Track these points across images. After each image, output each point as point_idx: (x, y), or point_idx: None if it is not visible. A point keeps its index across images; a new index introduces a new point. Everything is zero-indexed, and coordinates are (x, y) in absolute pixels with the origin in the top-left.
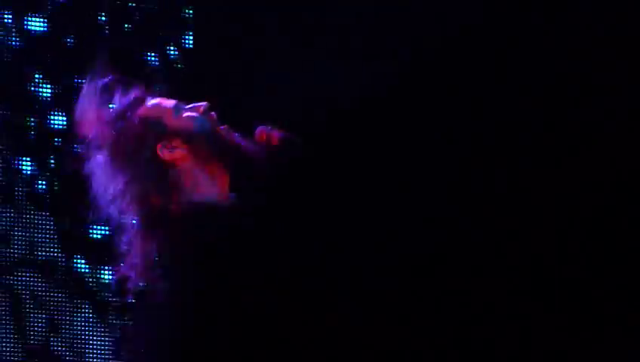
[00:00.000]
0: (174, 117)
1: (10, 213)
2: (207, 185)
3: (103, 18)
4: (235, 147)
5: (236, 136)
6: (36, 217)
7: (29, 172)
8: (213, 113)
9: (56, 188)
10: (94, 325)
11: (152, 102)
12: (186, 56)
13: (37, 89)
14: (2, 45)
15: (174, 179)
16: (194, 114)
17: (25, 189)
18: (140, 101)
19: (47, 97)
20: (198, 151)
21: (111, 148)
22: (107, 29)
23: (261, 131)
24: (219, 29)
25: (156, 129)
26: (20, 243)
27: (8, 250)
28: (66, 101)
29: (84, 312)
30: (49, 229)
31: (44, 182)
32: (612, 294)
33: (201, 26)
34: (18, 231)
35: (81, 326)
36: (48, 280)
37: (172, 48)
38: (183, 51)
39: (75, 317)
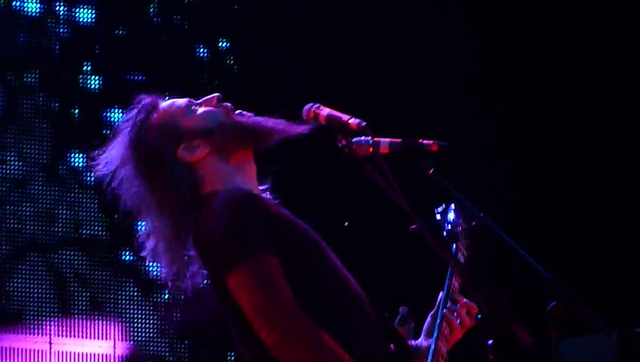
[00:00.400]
0: (188, 116)
1: (54, 191)
2: (236, 177)
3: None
4: (255, 127)
5: (253, 117)
6: (80, 195)
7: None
8: (226, 103)
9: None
10: (138, 303)
11: (163, 105)
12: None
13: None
14: (53, 36)
15: (202, 178)
16: (207, 109)
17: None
18: (152, 109)
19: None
20: (220, 145)
21: (135, 166)
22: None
23: (309, 108)
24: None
25: (173, 133)
26: (64, 221)
27: (53, 229)
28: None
29: (128, 290)
30: (94, 208)
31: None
32: None
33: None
34: (63, 209)
35: (125, 303)
36: (92, 259)
37: (223, 40)
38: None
39: (119, 294)
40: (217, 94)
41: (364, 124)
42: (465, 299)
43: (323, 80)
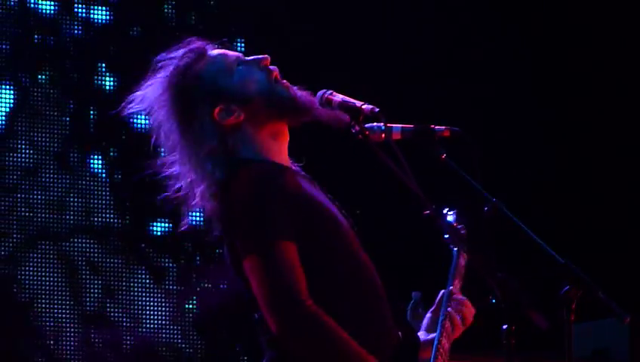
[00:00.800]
0: (232, 77)
1: (66, 179)
2: (269, 148)
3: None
4: (294, 101)
5: (296, 91)
6: (92, 183)
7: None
8: (274, 68)
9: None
10: (151, 290)
11: (211, 55)
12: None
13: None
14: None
15: (234, 144)
16: (252, 75)
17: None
18: (199, 56)
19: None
20: (256, 113)
21: (170, 110)
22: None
23: (322, 95)
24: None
25: (213, 92)
26: (76, 209)
27: (64, 217)
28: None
29: (141, 278)
30: (105, 195)
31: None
32: None
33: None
34: (74, 197)
35: (137, 291)
36: (104, 246)
37: (241, 41)
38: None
39: (132, 282)
40: (267, 56)
41: (377, 109)
42: (466, 299)
43: (336, 69)
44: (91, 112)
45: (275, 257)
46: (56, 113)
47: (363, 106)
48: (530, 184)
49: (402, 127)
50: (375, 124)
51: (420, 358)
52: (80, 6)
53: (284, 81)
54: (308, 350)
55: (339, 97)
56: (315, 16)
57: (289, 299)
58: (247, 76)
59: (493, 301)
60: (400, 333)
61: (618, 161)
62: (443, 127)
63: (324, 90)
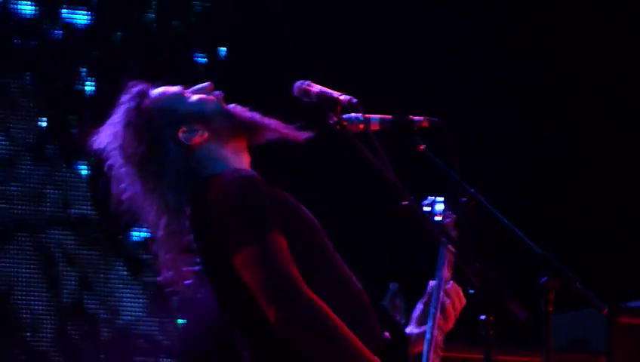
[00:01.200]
0: (184, 102)
1: (42, 170)
2: (235, 162)
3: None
4: (250, 120)
5: (247, 111)
6: (69, 175)
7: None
8: (218, 92)
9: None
10: (128, 282)
11: (155, 92)
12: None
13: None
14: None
15: (201, 161)
16: (203, 96)
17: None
18: (144, 95)
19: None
20: (219, 131)
21: (132, 146)
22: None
23: (299, 85)
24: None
25: (172, 117)
26: (53, 201)
27: (41, 209)
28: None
29: (118, 270)
30: (82, 187)
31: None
32: None
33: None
34: (50, 189)
35: (114, 283)
36: (81, 238)
37: (223, 49)
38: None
39: (109, 274)
40: (209, 82)
41: (355, 100)
42: (457, 288)
43: (316, 63)
44: (71, 117)
45: (275, 246)
46: (32, 105)
47: (341, 97)
48: (508, 175)
49: (380, 117)
50: (353, 114)
51: (413, 353)
52: (62, 9)
53: (233, 105)
54: (310, 339)
55: (316, 88)
56: (295, 20)
57: (291, 287)
58: (201, 98)
59: (472, 291)
60: (387, 333)
61: (595, 153)
62: (421, 118)
63: (302, 81)
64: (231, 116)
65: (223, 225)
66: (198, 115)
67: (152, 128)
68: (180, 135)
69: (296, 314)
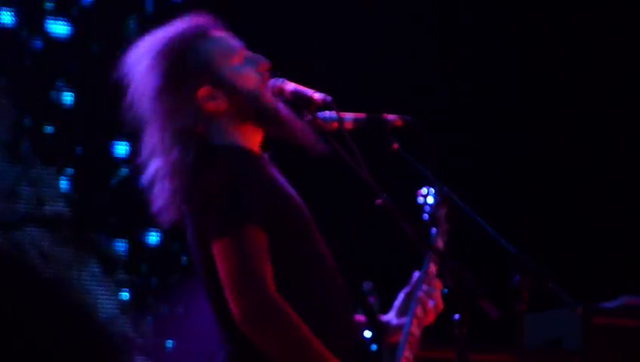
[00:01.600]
0: (229, 65)
1: (17, 168)
2: (242, 138)
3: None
4: (276, 115)
5: (280, 105)
6: (43, 173)
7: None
8: (269, 75)
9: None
10: (101, 280)
11: (214, 35)
12: None
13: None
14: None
15: (209, 129)
16: (247, 68)
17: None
18: (203, 32)
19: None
20: (239, 109)
21: (158, 71)
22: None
23: (273, 83)
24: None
25: (205, 71)
26: (27, 198)
27: (16, 206)
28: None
29: (92, 268)
30: (56, 185)
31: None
32: None
33: None
34: (25, 186)
35: (88, 281)
36: (55, 236)
37: None
38: None
39: (82, 272)
40: (267, 61)
41: (329, 98)
42: (440, 283)
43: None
44: (47, 126)
45: (246, 242)
46: (5, 102)
47: (315, 95)
48: (481, 173)
49: (354, 116)
50: (327, 113)
51: (390, 342)
52: (41, 19)
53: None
54: (268, 337)
55: (291, 86)
56: (268, 17)
57: (254, 284)
58: (243, 70)
59: (445, 290)
60: (362, 325)
61: (571, 151)
62: (395, 116)
63: (276, 79)
64: (259, 102)
65: (210, 209)
66: (229, 84)
67: (183, 67)
68: (200, 94)
69: (256, 313)
